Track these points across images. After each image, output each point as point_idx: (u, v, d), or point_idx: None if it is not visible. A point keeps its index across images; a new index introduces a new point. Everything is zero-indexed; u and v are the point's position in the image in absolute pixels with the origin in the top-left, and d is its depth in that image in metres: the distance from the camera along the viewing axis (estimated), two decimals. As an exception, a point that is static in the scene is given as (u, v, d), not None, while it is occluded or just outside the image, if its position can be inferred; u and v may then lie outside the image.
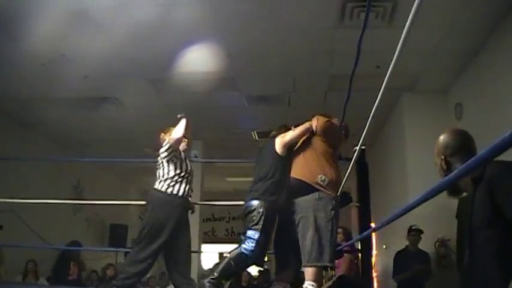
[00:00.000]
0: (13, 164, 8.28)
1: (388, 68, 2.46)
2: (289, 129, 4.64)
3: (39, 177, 9.07)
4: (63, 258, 9.40)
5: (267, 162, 4.43)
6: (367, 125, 3.35)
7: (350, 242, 6.46)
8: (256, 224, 4.17)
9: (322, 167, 4.25)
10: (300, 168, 4.29)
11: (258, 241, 4.15)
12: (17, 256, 8.34)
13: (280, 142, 4.46)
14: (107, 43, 6.41)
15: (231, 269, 4.22)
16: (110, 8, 5.67)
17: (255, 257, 4.22)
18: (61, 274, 9.13)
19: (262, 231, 4.17)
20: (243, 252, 4.17)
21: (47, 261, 9.34)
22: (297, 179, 4.26)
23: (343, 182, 4.53)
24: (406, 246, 6.93)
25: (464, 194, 2.40)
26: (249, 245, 4.15)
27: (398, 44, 2.20)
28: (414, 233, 6.82)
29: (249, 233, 4.17)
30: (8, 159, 7.83)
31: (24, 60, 6.93)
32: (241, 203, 4.50)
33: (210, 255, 14.36)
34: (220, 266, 4.20)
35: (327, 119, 4.42)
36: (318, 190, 4.16)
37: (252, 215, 4.19)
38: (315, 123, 4.40)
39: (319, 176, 4.18)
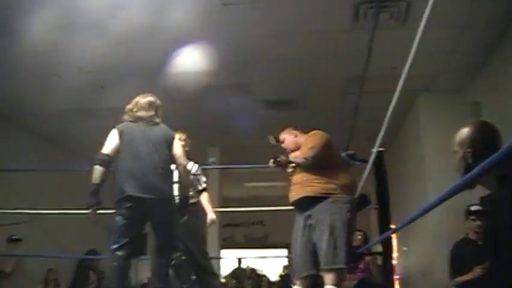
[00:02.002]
0: (32, 175, 8.35)
1: (404, 68, 2.44)
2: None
3: (58, 187, 9.11)
4: (82, 268, 9.43)
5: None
6: (384, 127, 3.33)
7: (368, 244, 6.40)
8: None
9: (329, 178, 4.20)
10: (309, 187, 4.22)
11: None
12: (36, 266, 8.42)
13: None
14: (123, 53, 6.46)
15: None
16: (128, 19, 5.71)
17: None
18: (81, 283, 9.16)
19: None
20: None
21: (67, 270, 9.39)
22: (308, 197, 4.21)
23: (361, 184, 4.49)
24: (466, 235, 5.22)
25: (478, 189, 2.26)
26: None
27: (413, 44, 2.18)
28: (476, 218, 5.05)
29: None
30: (27, 171, 7.94)
31: (42, 73, 7.01)
32: (261, 208, 4.54)
33: (229, 261, 14.33)
34: None
35: (309, 146, 4.34)
36: (331, 195, 4.13)
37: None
38: (300, 158, 4.32)
39: (331, 186, 4.15)
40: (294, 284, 4.40)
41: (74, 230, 8.81)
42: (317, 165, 4.26)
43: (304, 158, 4.28)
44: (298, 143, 4.52)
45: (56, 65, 6.82)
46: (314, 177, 4.21)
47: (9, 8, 5.53)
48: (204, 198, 5.36)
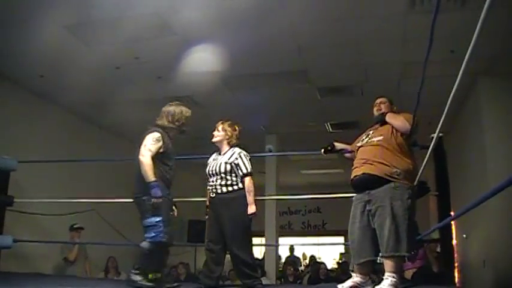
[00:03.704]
0: (93, 165, 8.59)
1: (463, 51, 2.39)
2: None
3: (118, 177, 9.33)
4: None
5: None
6: (445, 112, 3.25)
7: (427, 231, 6.30)
8: (156, 209, 4.43)
9: (395, 162, 4.16)
10: (373, 165, 4.20)
11: (162, 220, 4.45)
12: (99, 254, 8.72)
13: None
14: (179, 44, 6.57)
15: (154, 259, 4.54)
16: (180, 10, 5.80)
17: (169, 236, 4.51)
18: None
19: (161, 214, 4.46)
20: (159, 241, 4.45)
21: (127, 257, 9.62)
22: (371, 174, 4.19)
23: (421, 171, 4.43)
24: None
25: None
26: (157, 231, 4.42)
27: (473, 26, 2.14)
28: None
29: (149, 221, 4.45)
30: (88, 161, 8.19)
31: (100, 65, 7.21)
32: (318, 196, 4.49)
33: (286, 248, 14.39)
34: (146, 263, 4.51)
35: (409, 116, 4.34)
36: (393, 180, 4.10)
37: (148, 203, 4.44)
38: (403, 120, 4.35)
39: (394, 170, 4.11)
40: (354, 271, 4.39)
41: (134, 219, 9.04)
42: (392, 141, 4.28)
43: (407, 121, 4.30)
44: (393, 111, 4.58)
45: (116, 58, 7.01)
46: (381, 157, 4.21)
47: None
48: (246, 185, 4.87)
